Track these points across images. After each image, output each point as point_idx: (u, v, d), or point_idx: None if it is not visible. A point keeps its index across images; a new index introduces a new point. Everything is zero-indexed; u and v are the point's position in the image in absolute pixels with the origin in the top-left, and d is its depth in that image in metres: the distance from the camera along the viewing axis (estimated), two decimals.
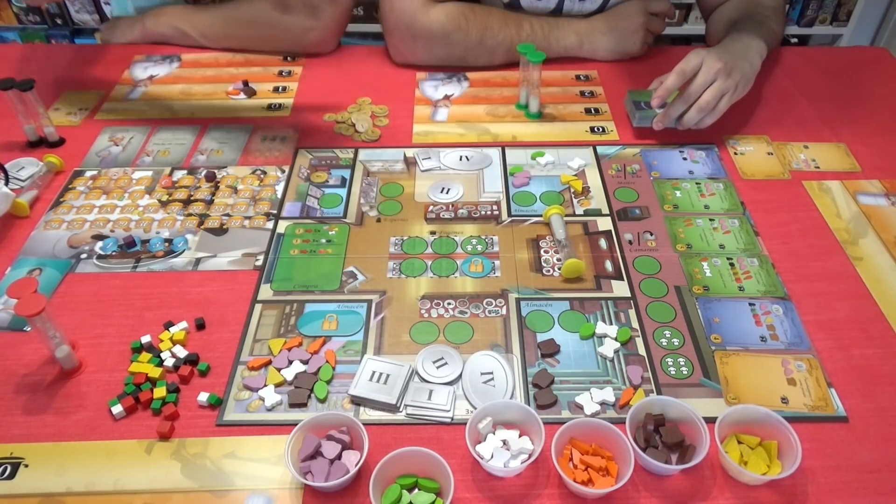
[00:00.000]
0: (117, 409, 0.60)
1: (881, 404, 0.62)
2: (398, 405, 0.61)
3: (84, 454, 0.58)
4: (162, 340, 0.67)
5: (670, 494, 0.55)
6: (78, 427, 0.60)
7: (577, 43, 1.06)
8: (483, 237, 0.78)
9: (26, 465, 0.57)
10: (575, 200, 0.84)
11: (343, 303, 0.71)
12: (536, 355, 0.66)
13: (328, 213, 0.82)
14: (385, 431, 0.59)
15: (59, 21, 2.31)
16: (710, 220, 0.81)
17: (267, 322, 0.69)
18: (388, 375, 0.63)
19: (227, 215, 0.82)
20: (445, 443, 0.58)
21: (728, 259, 0.75)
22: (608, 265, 0.75)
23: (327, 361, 0.65)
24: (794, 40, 2.33)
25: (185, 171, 0.88)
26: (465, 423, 0.56)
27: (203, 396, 0.62)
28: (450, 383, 0.63)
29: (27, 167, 0.87)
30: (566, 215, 0.80)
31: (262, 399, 0.62)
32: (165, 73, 1.08)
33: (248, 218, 0.81)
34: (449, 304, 0.71)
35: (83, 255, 0.76)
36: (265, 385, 0.63)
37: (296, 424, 0.57)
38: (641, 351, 0.66)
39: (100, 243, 0.78)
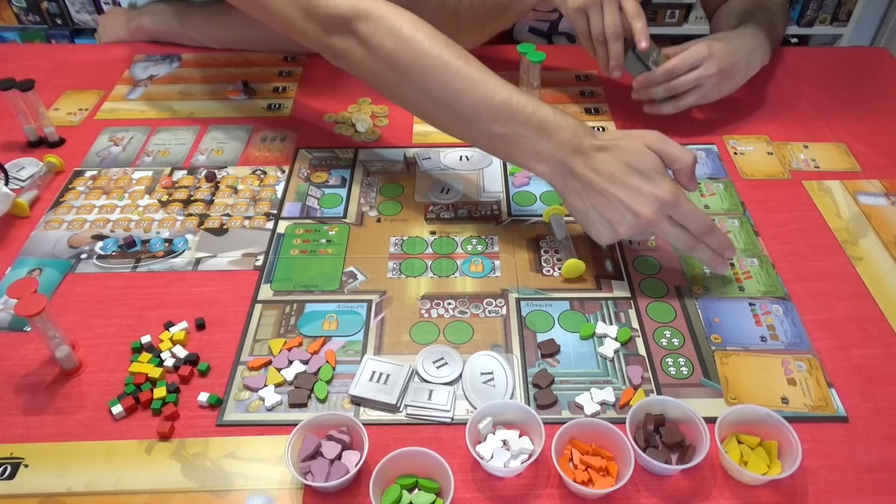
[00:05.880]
0: (117, 409, 0.60)
1: (881, 404, 0.62)
2: (398, 405, 0.61)
3: (84, 454, 0.58)
4: (162, 340, 0.67)
5: (670, 494, 0.55)
6: (78, 427, 0.60)
7: None
8: (483, 237, 0.78)
9: (26, 465, 0.57)
10: None
11: (343, 303, 0.71)
12: (536, 355, 0.66)
13: (328, 213, 0.82)
14: (385, 431, 0.59)
15: (59, 21, 2.31)
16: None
17: (267, 322, 0.69)
18: (388, 375, 0.63)
19: (227, 215, 0.82)
20: (445, 443, 0.58)
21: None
22: (608, 265, 0.75)
23: (327, 361, 0.65)
24: (794, 40, 2.33)
25: (185, 171, 0.88)
26: (465, 423, 0.56)
27: (203, 396, 0.62)
28: (450, 383, 0.63)
29: (27, 167, 0.87)
30: (566, 215, 0.80)
31: (262, 399, 0.62)
32: (165, 73, 1.08)
33: (248, 218, 0.81)
34: (449, 304, 0.71)
35: (83, 255, 0.76)
36: (265, 385, 0.63)
37: (296, 424, 0.57)
38: (641, 351, 0.66)
39: (100, 243, 0.78)
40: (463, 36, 1.00)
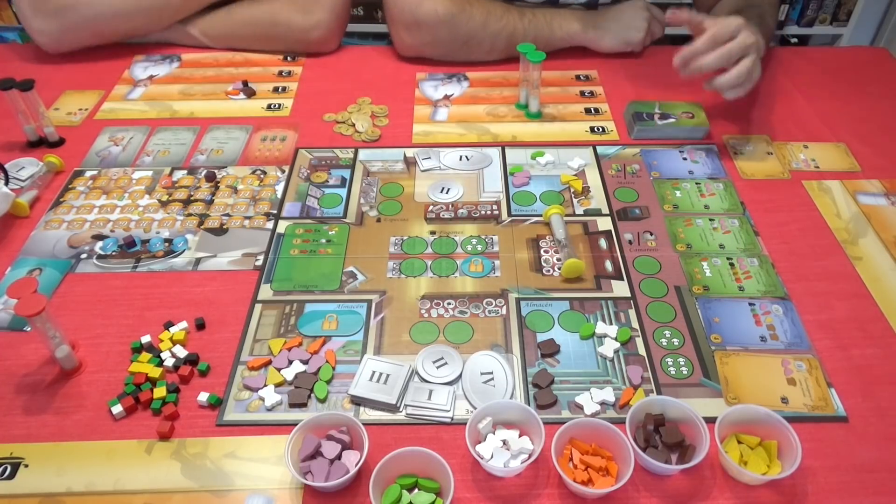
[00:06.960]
0: (117, 409, 0.60)
1: (881, 404, 0.62)
2: (398, 405, 0.61)
3: (84, 454, 0.58)
4: (162, 340, 0.67)
5: (670, 494, 0.55)
6: (78, 427, 0.60)
7: (581, 28, 1.06)
8: (483, 237, 0.78)
9: (26, 465, 0.57)
10: (575, 200, 0.84)
11: (343, 303, 0.71)
12: (536, 355, 0.66)
13: (328, 213, 0.82)
14: (385, 431, 0.59)
15: None
16: (710, 220, 0.81)
17: (267, 322, 0.69)
18: (388, 375, 0.63)
19: (227, 215, 0.82)
20: (445, 443, 0.58)
21: (728, 259, 0.75)
22: (608, 265, 0.75)
23: (327, 361, 0.65)
24: (794, 40, 2.32)
25: (185, 171, 0.88)
26: (465, 423, 0.56)
27: (203, 396, 0.62)
28: (450, 383, 0.63)
29: (27, 167, 0.87)
30: (566, 215, 0.80)
31: (262, 399, 0.62)
32: (165, 73, 1.08)
33: (248, 218, 0.81)
34: (449, 304, 0.71)
35: (83, 255, 0.76)
36: (265, 385, 0.63)
37: (296, 424, 0.57)
38: (641, 351, 0.66)
39: (100, 243, 0.78)
40: (496, 50, 1.06)
